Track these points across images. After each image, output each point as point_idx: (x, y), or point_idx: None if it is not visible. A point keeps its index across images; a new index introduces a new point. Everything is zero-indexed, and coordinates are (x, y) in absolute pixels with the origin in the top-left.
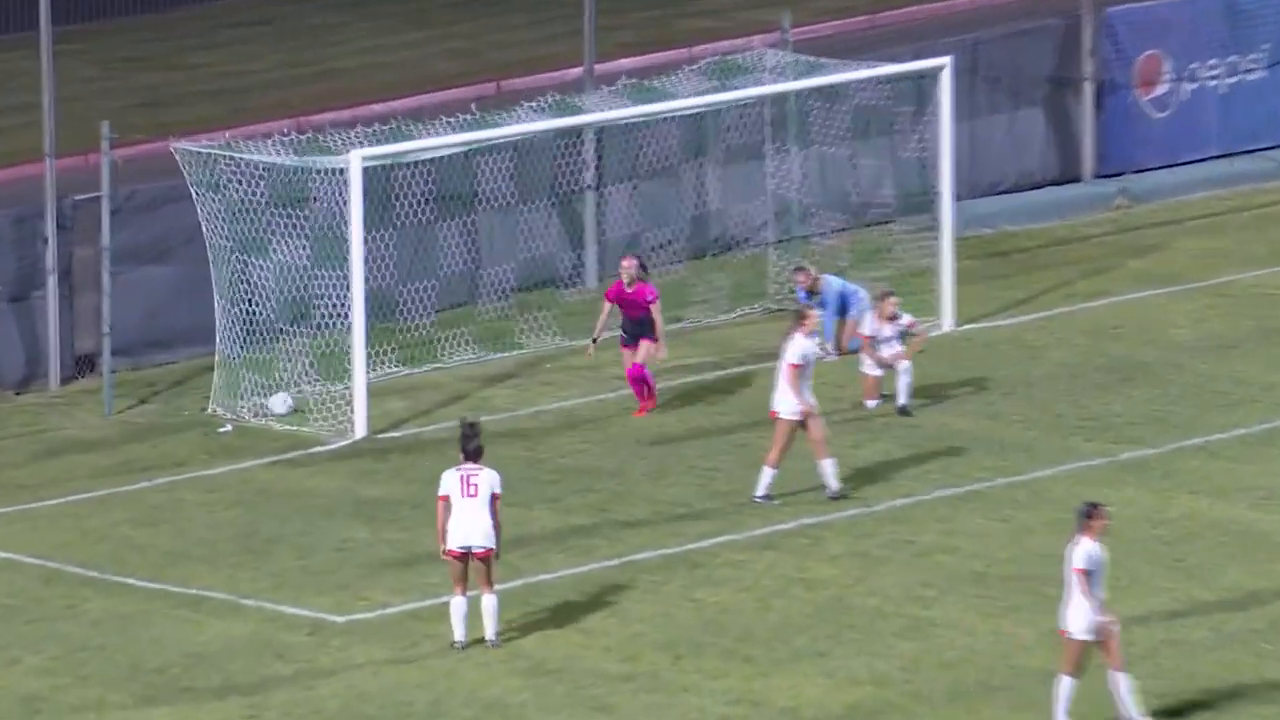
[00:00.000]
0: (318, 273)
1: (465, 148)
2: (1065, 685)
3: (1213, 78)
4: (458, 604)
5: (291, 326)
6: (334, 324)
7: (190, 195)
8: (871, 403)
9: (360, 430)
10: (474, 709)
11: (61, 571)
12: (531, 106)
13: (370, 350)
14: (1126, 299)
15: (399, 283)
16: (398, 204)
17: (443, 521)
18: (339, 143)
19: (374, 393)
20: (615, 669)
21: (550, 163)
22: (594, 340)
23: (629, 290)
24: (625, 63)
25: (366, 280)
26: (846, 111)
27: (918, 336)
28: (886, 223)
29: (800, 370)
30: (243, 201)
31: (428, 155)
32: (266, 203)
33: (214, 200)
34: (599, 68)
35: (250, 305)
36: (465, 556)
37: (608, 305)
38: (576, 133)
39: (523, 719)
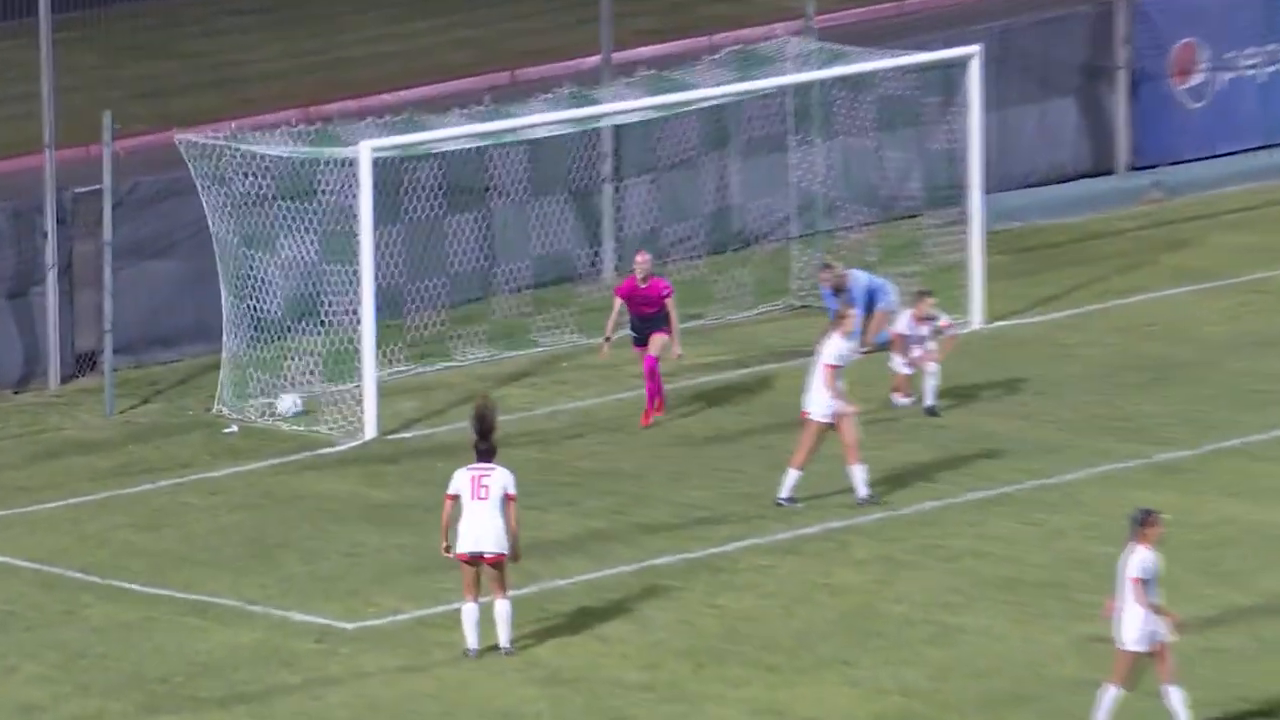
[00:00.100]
0: (326, 268)
1: (478, 140)
2: (1110, 694)
3: (1251, 66)
4: (470, 610)
5: (299, 323)
6: (343, 321)
7: (194, 188)
8: (902, 399)
9: (370, 431)
10: (488, 719)
11: (61, 576)
12: (547, 98)
13: (380, 348)
14: (1160, 295)
15: (410, 279)
16: (408, 197)
17: (447, 520)
18: (348, 134)
19: (384, 392)
20: (634, 678)
21: (566, 155)
22: (606, 339)
23: (643, 285)
24: (644, 51)
25: (377, 276)
26: (872, 102)
27: (948, 339)
28: (913, 216)
29: (836, 371)
30: (248, 194)
31: (439, 147)
32: (273, 196)
33: (219, 193)
34: (617, 56)
35: (256, 302)
36: (475, 561)
37: (618, 302)
38: (593, 124)
39: None
